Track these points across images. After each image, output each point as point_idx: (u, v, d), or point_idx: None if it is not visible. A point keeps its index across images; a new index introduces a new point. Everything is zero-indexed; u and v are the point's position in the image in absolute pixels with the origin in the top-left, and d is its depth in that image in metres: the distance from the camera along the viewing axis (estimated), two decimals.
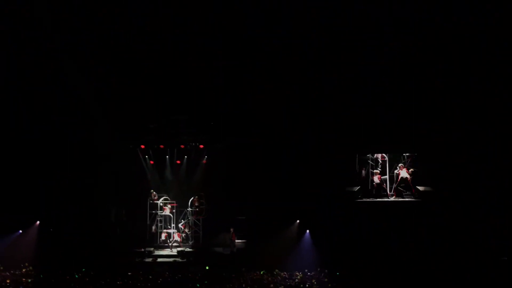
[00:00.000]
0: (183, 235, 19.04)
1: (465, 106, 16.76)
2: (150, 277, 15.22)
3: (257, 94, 17.93)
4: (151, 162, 19.54)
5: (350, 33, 16.68)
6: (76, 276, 15.34)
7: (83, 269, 16.06)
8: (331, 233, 17.16)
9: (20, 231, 17.92)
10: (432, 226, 16.77)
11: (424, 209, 17.25)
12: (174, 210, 19.19)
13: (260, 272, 15.97)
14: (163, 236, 18.85)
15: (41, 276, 15.46)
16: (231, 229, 18.28)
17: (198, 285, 13.96)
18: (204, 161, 19.51)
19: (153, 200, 19.15)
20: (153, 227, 18.95)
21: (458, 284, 14.22)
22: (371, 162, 18.31)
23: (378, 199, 18.02)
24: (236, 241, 18.42)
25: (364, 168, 18.35)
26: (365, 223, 17.24)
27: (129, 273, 15.60)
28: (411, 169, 17.72)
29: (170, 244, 18.55)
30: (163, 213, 19.01)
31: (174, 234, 18.77)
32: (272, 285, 14.54)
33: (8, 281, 14.76)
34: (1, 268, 16.09)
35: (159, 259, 17.51)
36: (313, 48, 17.13)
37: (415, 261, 15.75)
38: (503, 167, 16.44)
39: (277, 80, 17.60)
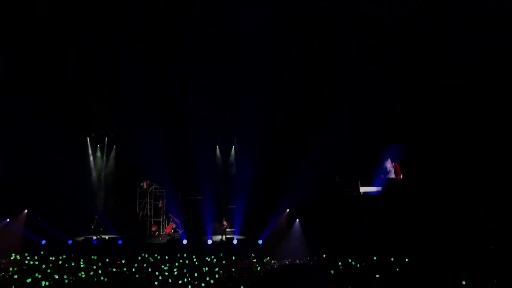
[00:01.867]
0: (174, 224, 19.19)
1: (465, 106, 16.77)
2: (143, 265, 15.17)
3: (257, 94, 17.96)
4: None
5: (350, 33, 16.69)
6: (70, 264, 15.28)
7: (72, 255, 16.10)
8: (322, 223, 17.35)
9: (8, 220, 17.79)
10: (432, 226, 16.79)
11: (425, 209, 17.31)
12: (165, 201, 19.28)
13: (251, 260, 16.04)
14: (153, 228, 19.03)
15: (31, 263, 15.41)
16: (223, 218, 18.68)
17: (188, 274, 13.87)
18: None
19: (144, 189, 19.36)
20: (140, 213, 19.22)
21: (458, 284, 14.18)
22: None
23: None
24: (227, 230, 18.74)
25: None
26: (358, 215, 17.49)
27: (118, 262, 15.62)
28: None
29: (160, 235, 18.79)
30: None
31: (164, 226, 19.06)
32: (261, 274, 14.44)
33: None
34: None
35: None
36: (313, 48, 17.14)
37: (414, 260, 15.76)
38: (503, 167, 16.46)
39: (277, 80, 17.61)
